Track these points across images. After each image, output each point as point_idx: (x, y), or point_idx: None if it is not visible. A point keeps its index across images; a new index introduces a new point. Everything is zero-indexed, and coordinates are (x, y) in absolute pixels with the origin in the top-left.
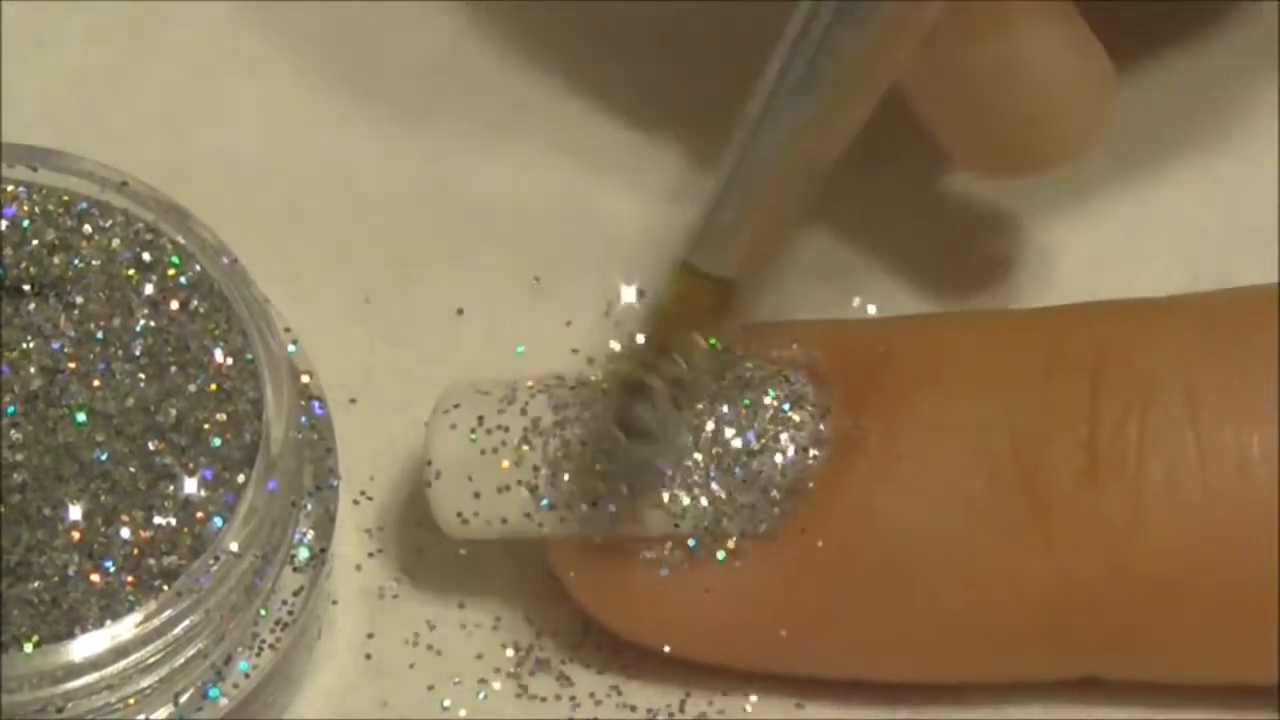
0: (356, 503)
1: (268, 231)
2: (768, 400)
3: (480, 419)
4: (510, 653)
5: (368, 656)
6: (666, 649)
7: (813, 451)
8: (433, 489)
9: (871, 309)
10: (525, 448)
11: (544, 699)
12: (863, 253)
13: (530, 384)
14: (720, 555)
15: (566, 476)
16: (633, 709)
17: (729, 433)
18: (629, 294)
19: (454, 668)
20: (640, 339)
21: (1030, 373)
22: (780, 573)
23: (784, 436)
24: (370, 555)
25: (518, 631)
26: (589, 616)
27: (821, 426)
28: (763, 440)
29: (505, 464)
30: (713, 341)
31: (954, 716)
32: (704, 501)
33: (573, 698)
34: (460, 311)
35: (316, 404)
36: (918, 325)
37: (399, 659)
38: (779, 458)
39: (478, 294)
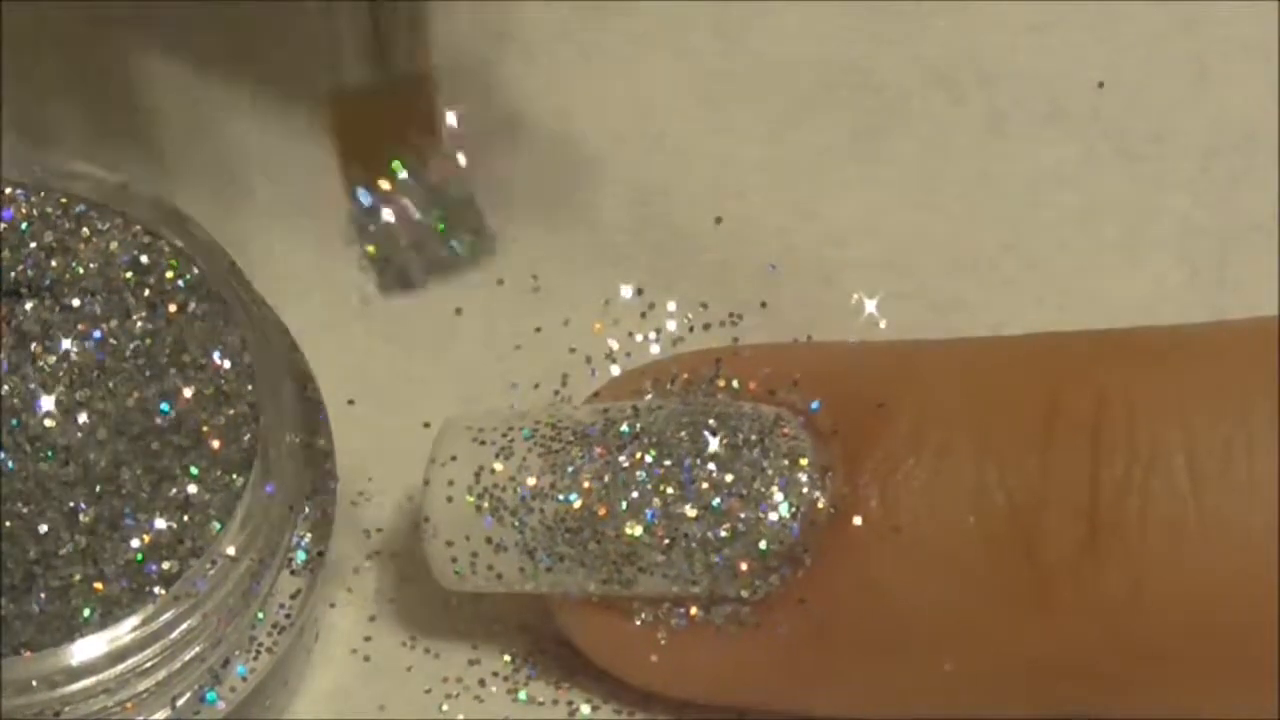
0: (355, 504)
1: (266, 229)
2: (767, 463)
3: (478, 475)
4: (507, 656)
5: (365, 659)
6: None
7: (812, 517)
8: (429, 545)
9: (870, 306)
10: (523, 513)
11: (541, 702)
12: (862, 250)
13: (530, 428)
14: (718, 620)
15: (564, 539)
16: (631, 713)
17: (727, 494)
18: (626, 292)
19: (451, 671)
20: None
21: (1029, 431)
22: (778, 638)
23: (782, 500)
24: (368, 557)
25: (515, 635)
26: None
27: (818, 495)
28: (763, 509)
29: (503, 525)
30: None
31: None
32: (700, 567)
33: (570, 702)
34: (459, 311)
35: (314, 406)
36: (914, 368)
37: (396, 662)
38: (782, 527)
39: (476, 293)
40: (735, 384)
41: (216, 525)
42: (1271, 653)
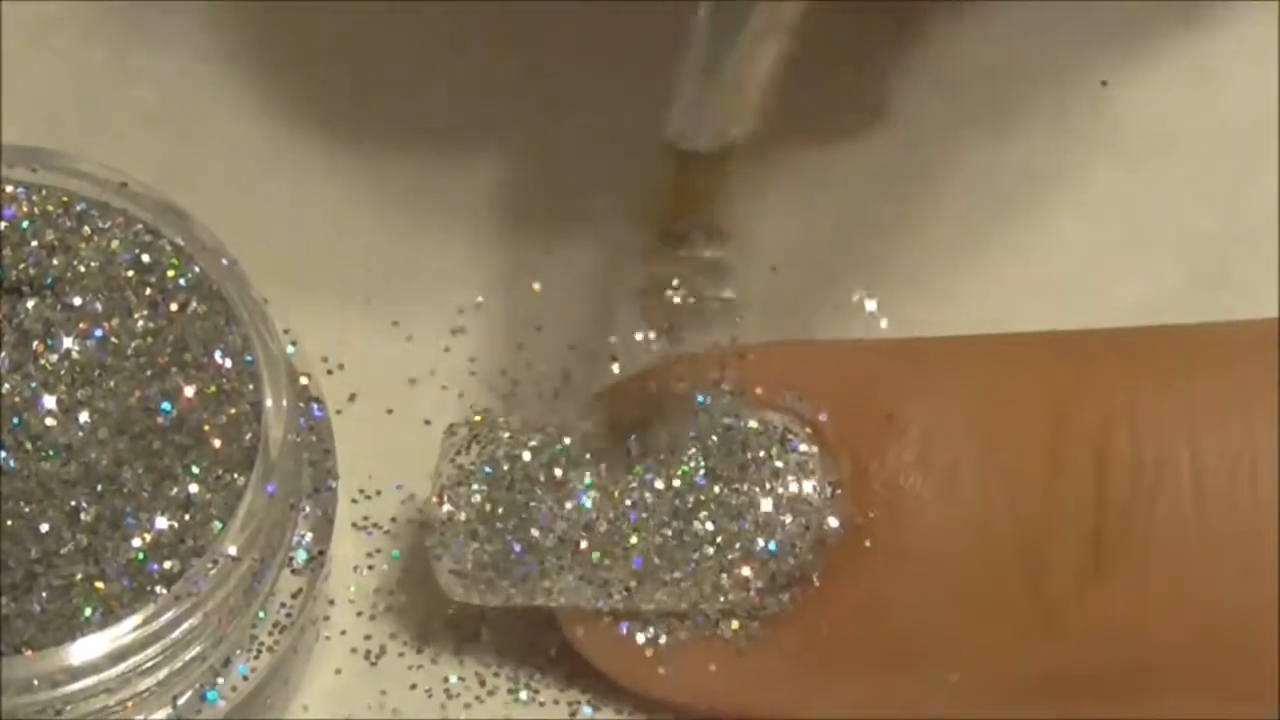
0: (355, 501)
1: (266, 229)
2: (776, 482)
3: (485, 492)
4: (508, 655)
5: (366, 658)
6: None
7: (820, 536)
8: (435, 561)
9: (870, 305)
10: (532, 531)
11: (543, 702)
12: (864, 248)
13: (534, 446)
14: (726, 635)
15: (572, 557)
16: (632, 714)
17: (736, 513)
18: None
19: (452, 670)
20: (659, 241)
21: (1036, 453)
22: (785, 656)
23: (790, 519)
24: (368, 556)
25: (516, 634)
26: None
27: (827, 515)
28: (772, 522)
29: (511, 543)
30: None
31: None
32: (708, 585)
33: (571, 702)
34: (461, 310)
35: (315, 406)
36: (923, 376)
37: (397, 661)
38: (791, 548)
39: (478, 291)
40: (740, 390)
41: (218, 524)
42: (1273, 676)
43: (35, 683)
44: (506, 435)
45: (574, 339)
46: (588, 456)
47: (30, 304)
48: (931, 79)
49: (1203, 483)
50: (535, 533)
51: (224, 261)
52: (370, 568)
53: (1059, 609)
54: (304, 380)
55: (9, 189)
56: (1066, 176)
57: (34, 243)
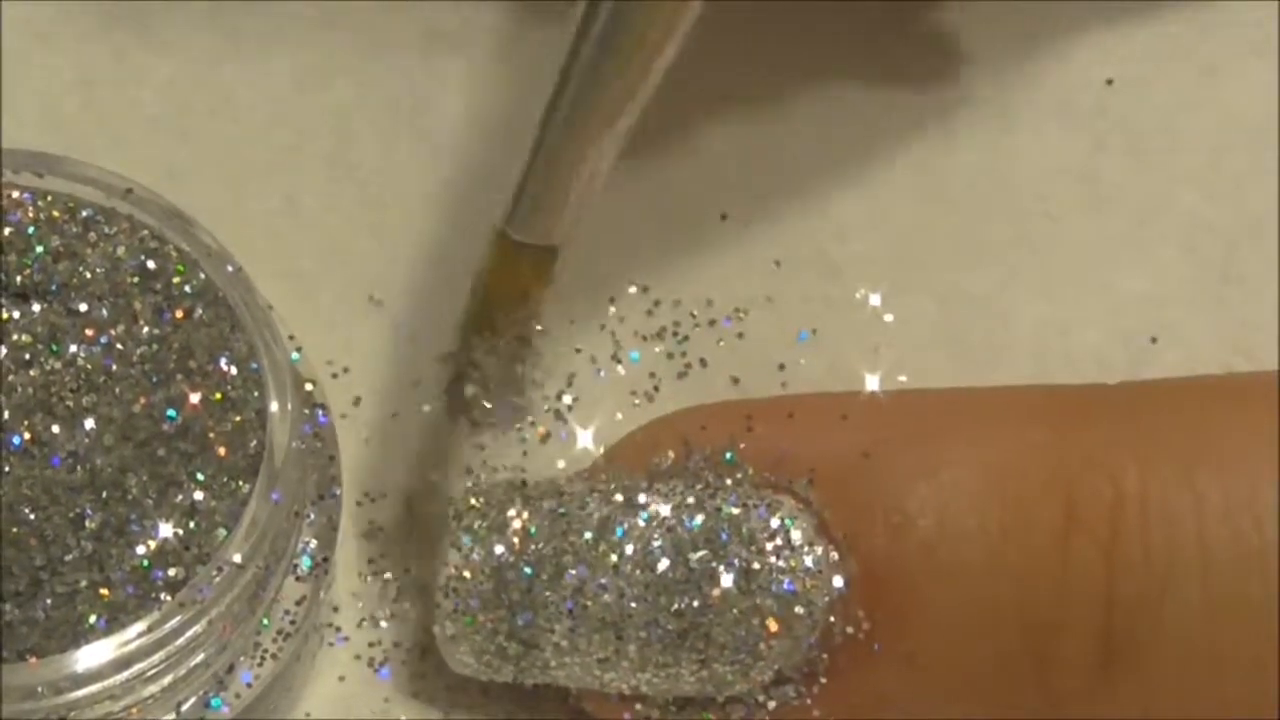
0: (360, 504)
1: (270, 231)
2: (786, 579)
3: (492, 590)
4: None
5: (370, 665)
6: None
7: (827, 637)
8: (445, 645)
9: (875, 300)
10: (539, 621)
11: (550, 706)
12: (867, 246)
13: (538, 524)
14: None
15: (579, 644)
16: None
17: (746, 611)
18: (631, 290)
19: (457, 676)
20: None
21: (1044, 549)
22: None
23: (798, 618)
24: (372, 561)
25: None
26: None
27: (834, 619)
28: (780, 620)
29: (518, 636)
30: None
31: None
32: (716, 676)
33: (574, 712)
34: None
35: (320, 412)
36: (930, 461)
37: (401, 668)
38: (794, 640)
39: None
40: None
41: (222, 531)
42: None
43: (40, 689)
44: (512, 514)
45: (579, 342)
46: (591, 536)
47: (36, 310)
48: (938, 76)
49: (1210, 580)
50: (540, 621)
51: (229, 267)
52: (374, 574)
53: (1066, 706)
54: (309, 386)
55: (14, 194)
56: (1073, 172)
57: (39, 249)
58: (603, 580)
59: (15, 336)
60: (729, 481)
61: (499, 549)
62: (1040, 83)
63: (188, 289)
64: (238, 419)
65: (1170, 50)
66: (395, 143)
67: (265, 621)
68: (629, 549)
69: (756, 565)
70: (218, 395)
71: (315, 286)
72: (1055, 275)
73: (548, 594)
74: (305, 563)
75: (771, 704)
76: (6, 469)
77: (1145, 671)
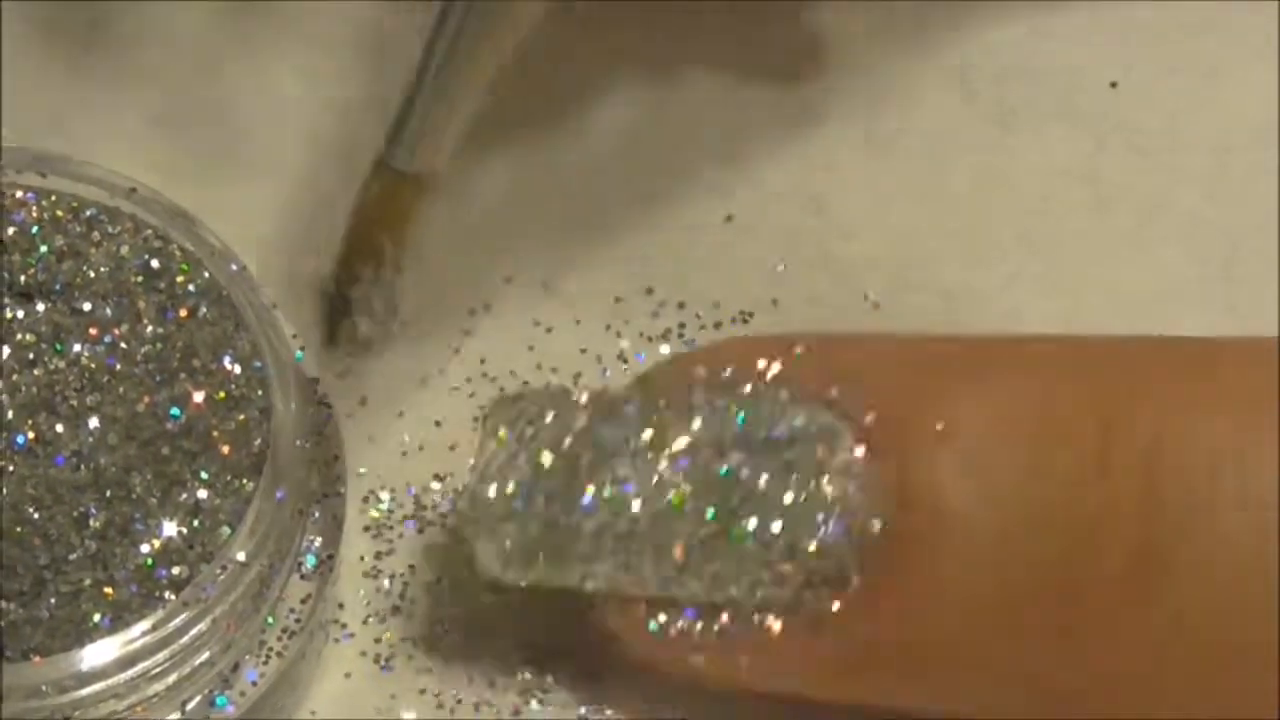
0: (366, 500)
1: (274, 231)
2: (822, 483)
3: (531, 480)
4: (520, 657)
5: (375, 663)
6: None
7: (862, 539)
8: (474, 540)
9: (879, 300)
10: (574, 516)
11: (552, 706)
12: (871, 247)
13: (581, 424)
14: (761, 631)
15: (614, 543)
16: None
17: (781, 511)
18: (637, 291)
19: (463, 673)
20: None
21: (1083, 466)
22: (818, 656)
23: (833, 520)
24: (378, 559)
25: (529, 636)
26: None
27: (871, 519)
28: (815, 521)
29: (553, 528)
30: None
31: None
32: (748, 578)
33: (584, 705)
34: (471, 311)
35: (324, 411)
36: (974, 376)
37: (406, 666)
38: (829, 541)
39: (488, 292)
40: (789, 381)
41: (226, 530)
42: None
43: (44, 688)
44: (551, 417)
45: (584, 341)
46: (630, 443)
47: (40, 309)
48: (943, 77)
49: (1249, 499)
50: (576, 517)
51: (233, 266)
52: (379, 572)
53: (1099, 620)
54: (312, 385)
55: (18, 194)
56: (1075, 172)
57: (43, 248)
58: (642, 480)
59: (19, 336)
60: (774, 393)
61: (534, 452)
62: (1043, 84)
63: (191, 288)
64: (241, 417)
65: (1174, 50)
66: None
67: (270, 619)
68: (672, 450)
69: (799, 468)
70: (221, 394)
71: (320, 290)
72: (1058, 275)
73: (586, 490)
74: (310, 560)
75: (801, 609)
76: (10, 468)
77: (1179, 590)
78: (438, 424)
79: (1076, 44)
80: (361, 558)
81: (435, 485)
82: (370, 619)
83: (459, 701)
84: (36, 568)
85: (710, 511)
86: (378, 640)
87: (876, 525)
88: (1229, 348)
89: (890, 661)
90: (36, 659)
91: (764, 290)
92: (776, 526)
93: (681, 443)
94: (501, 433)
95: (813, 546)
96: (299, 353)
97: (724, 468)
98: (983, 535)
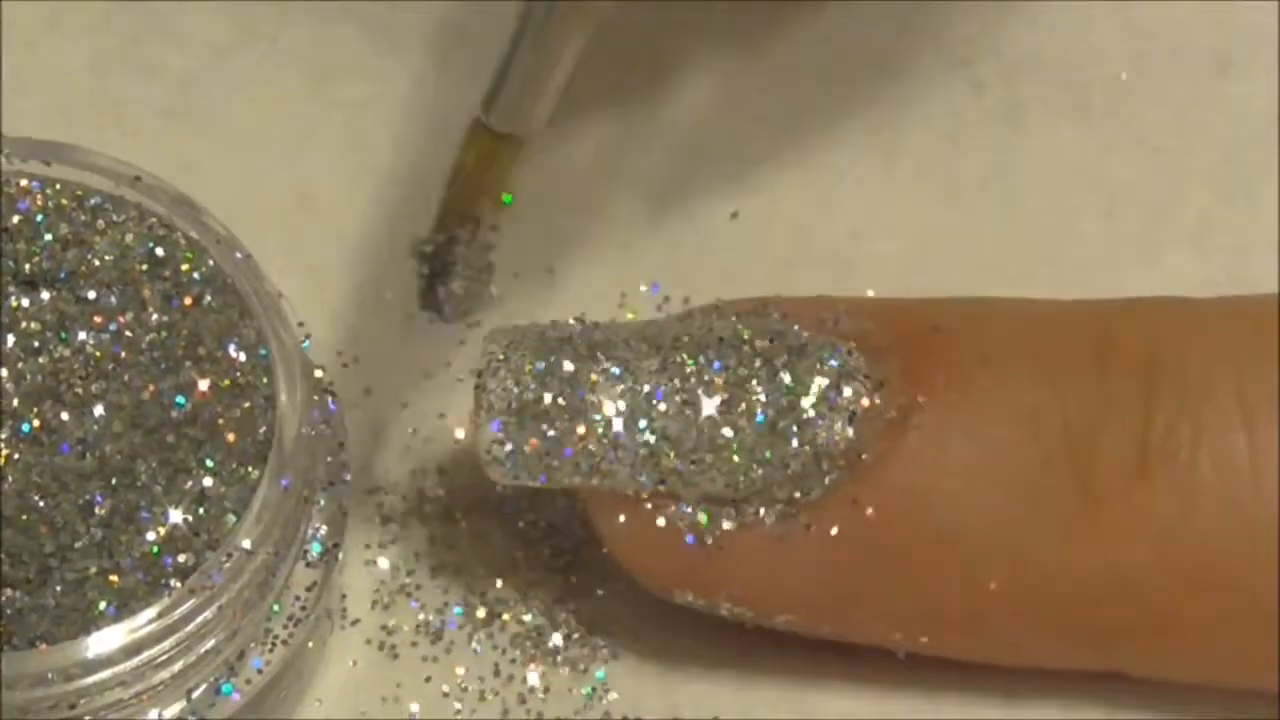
0: (371, 493)
1: (281, 223)
2: (822, 368)
3: (537, 376)
4: (525, 645)
5: (381, 650)
6: (699, 603)
7: (866, 423)
8: (480, 439)
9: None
10: (582, 408)
11: (558, 691)
12: (879, 246)
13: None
14: (769, 520)
15: (620, 434)
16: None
17: (781, 397)
18: (642, 286)
19: (468, 660)
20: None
21: (1084, 362)
22: (826, 541)
23: (839, 405)
24: (383, 547)
25: (533, 624)
26: (620, 569)
27: (877, 399)
28: (817, 408)
29: (560, 420)
30: (508, 198)
31: (967, 715)
32: (755, 465)
33: (588, 690)
34: None
35: (329, 399)
36: (967, 305)
37: (412, 654)
38: (835, 426)
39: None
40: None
41: (232, 518)
42: None
43: (49, 676)
44: (553, 329)
45: None
46: (636, 344)
47: (45, 298)
48: (949, 71)
49: (1248, 397)
50: (583, 409)
51: (238, 254)
52: (384, 560)
53: (1104, 504)
54: (318, 374)
55: (23, 183)
56: (1084, 171)
57: (48, 236)
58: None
59: (24, 324)
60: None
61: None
62: (1052, 79)
63: (196, 276)
64: (246, 405)
65: (1184, 46)
66: (408, 136)
67: (276, 607)
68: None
69: (803, 348)
70: (226, 382)
71: (326, 278)
72: (1067, 275)
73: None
74: (315, 548)
75: (809, 498)
76: (16, 456)
77: (1184, 473)
78: (441, 416)
79: (1087, 38)
80: (367, 545)
81: (439, 476)
82: (375, 606)
83: (465, 689)
84: (42, 555)
85: (710, 404)
86: (383, 628)
87: (880, 404)
88: (1220, 299)
89: (898, 547)
90: (42, 647)
91: (769, 287)
92: (782, 411)
93: (684, 343)
94: (508, 346)
95: (820, 428)
96: (305, 341)
97: (729, 364)
98: (989, 415)
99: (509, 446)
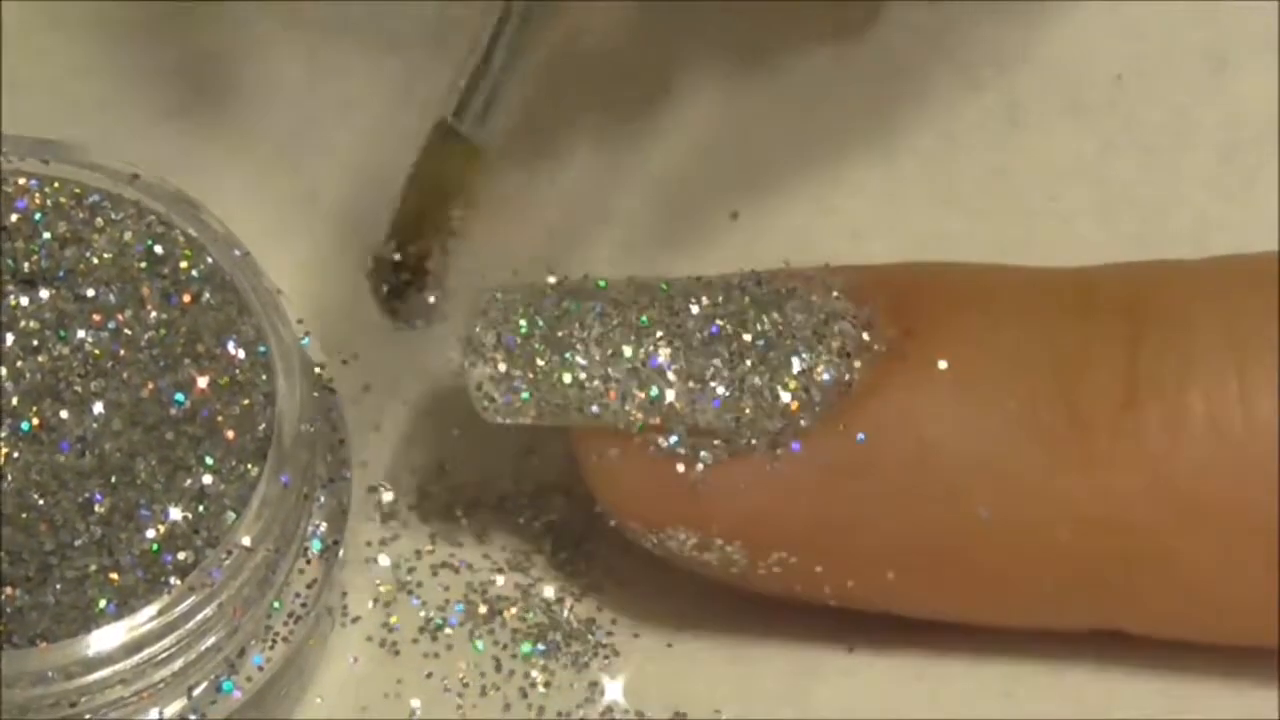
0: (372, 490)
1: (280, 220)
2: (810, 305)
3: (530, 314)
4: (527, 643)
5: (382, 647)
6: (691, 545)
7: (855, 356)
8: (473, 375)
9: None
10: (574, 342)
11: (559, 687)
12: (878, 245)
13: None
14: (759, 452)
15: (613, 367)
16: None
17: (773, 331)
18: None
19: (470, 657)
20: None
21: (1068, 304)
22: (816, 469)
23: (828, 337)
24: (384, 544)
25: (534, 620)
26: (609, 512)
27: (865, 335)
28: (807, 341)
29: (552, 354)
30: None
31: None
32: (745, 395)
33: (591, 683)
34: None
35: (329, 396)
36: (951, 264)
37: (413, 650)
38: (824, 358)
39: (492, 281)
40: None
41: (232, 515)
42: None
43: (50, 674)
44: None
45: None
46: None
47: (43, 296)
48: (948, 72)
49: (1235, 330)
50: (572, 344)
51: (236, 252)
52: (385, 557)
53: (1094, 430)
54: (317, 370)
55: (21, 181)
56: (1082, 171)
57: (46, 234)
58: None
59: (23, 323)
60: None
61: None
62: (1049, 78)
63: (195, 273)
64: (246, 402)
65: (1181, 45)
66: (407, 133)
67: (276, 604)
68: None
69: (792, 290)
70: (225, 379)
71: (325, 275)
72: None
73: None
74: (315, 545)
75: (800, 425)
76: (15, 455)
77: (1172, 401)
78: (441, 412)
79: (1083, 37)
80: (367, 543)
81: (440, 472)
82: (376, 603)
83: (466, 685)
84: (42, 554)
85: (704, 335)
86: (384, 625)
87: (869, 338)
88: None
89: (889, 474)
90: (42, 645)
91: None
92: (772, 343)
93: (673, 289)
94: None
95: (810, 358)
96: (304, 338)
97: (718, 304)
98: (979, 347)
99: (500, 385)
